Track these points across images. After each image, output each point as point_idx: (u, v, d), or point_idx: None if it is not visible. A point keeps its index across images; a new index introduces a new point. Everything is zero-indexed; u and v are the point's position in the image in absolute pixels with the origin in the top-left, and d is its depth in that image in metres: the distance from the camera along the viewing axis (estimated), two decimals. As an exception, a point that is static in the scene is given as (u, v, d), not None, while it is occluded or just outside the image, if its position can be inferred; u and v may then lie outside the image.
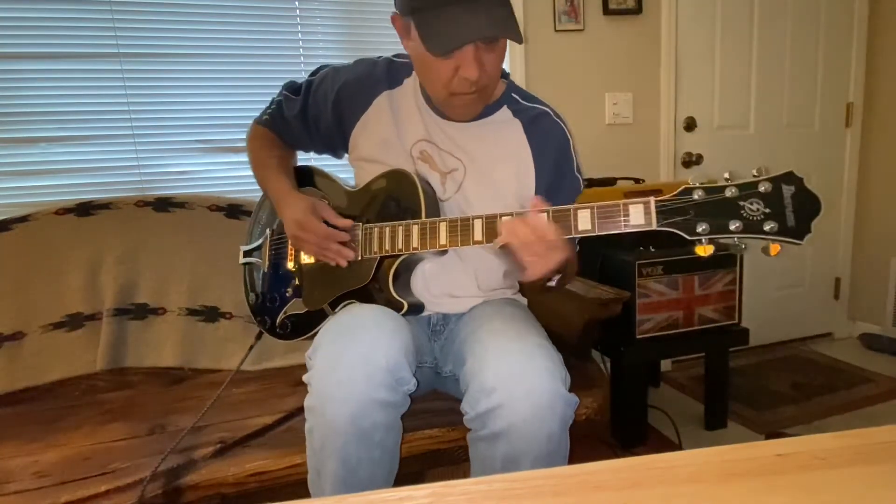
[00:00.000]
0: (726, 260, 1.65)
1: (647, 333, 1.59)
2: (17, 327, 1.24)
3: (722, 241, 0.68)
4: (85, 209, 1.33)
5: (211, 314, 1.34)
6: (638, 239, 1.69)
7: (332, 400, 0.73)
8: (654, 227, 0.68)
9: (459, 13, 0.73)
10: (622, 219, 0.70)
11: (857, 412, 1.83)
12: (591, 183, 1.78)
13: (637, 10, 1.98)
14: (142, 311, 1.32)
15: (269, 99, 1.08)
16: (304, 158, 1.14)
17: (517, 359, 0.77)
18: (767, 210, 0.64)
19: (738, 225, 0.65)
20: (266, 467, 0.89)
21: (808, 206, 0.63)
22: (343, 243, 0.92)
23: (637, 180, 1.80)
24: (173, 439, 0.93)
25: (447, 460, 0.97)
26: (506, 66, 1.88)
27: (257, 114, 1.10)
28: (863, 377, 2.09)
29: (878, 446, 0.56)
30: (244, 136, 1.12)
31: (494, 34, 0.76)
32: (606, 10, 1.95)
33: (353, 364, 0.74)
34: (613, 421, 1.65)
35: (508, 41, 0.81)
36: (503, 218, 0.77)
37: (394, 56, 0.99)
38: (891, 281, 2.33)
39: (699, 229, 0.66)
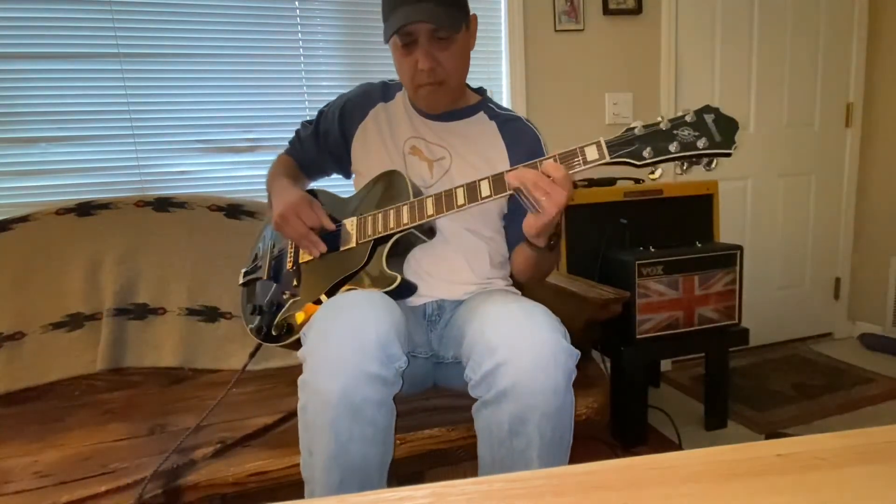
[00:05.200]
0: (726, 260, 1.65)
1: (647, 333, 1.60)
2: (17, 327, 1.24)
3: (666, 163, 0.79)
4: (85, 209, 1.33)
5: (211, 314, 1.34)
6: (638, 239, 1.70)
7: (323, 373, 0.75)
8: (607, 159, 0.79)
9: (408, 10, 0.90)
10: (580, 158, 0.81)
11: (857, 412, 1.83)
12: (592, 183, 1.78)
13: (637, 10, 1.98)
14: (142, 311, 1.32)
15: (270, 98, 1.15)
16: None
17: (517, 316, 0.81)
18: (697, 133, 0.76)
19: (676, 146, 0.77)
20: (266, 467, 0.89)
21: (728, 125, 0.77)
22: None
23: (637, 180, 1.80)
24: (173, 439, 0.93)
25: (447, 460, 0.97)
26: (505, 66, 1.90)
27: (257, 114, 1.20)
28: (863, 377, 2.09)
29: (878, 446, 0.56)
30: (244, 137, 1.14)
31: (418, 19, 0.90)
32: (606, 10, 1.95)
33: (343, 336, 0.76)
34: (613, 421, 1.65)
35: (473, 46, 1.02)
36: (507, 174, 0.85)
37: (388, 80, 1.17)
38: (891, 281, 2.34)
39: (645, 154, 0.78)
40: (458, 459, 0.96)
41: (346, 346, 0.75)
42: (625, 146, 0.78)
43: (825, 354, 2.33)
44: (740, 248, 1.66)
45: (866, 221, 2.44)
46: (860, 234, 2.46)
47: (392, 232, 0.94)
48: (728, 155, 0.76)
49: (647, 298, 1.58)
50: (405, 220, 0.93)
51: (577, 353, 0.81)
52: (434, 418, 0.97)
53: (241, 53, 1.62)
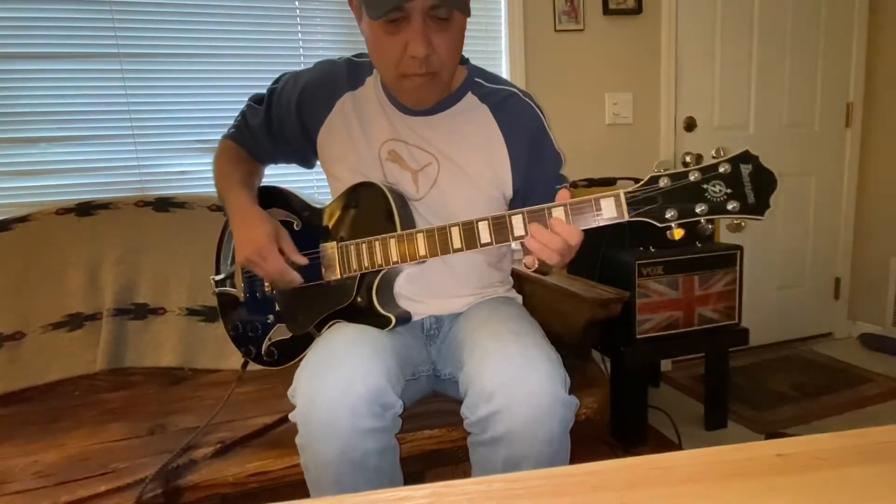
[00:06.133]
0: (726, 260, 1.65)
1: (647, 333, 1.59)
2: (17, 327, 1.24)
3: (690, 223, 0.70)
4: (85, 209, 1.33)
5: (211, 314, 1.34)
6: (638, 239, 1.69)
7: (318, 439, 0.73)
8: (626, 218, 0.70)
9: None
10: (595, 213, 0.71)
11: (857, 412, 1.83)
12: (592, 182, 1.78)
13: (637, 10, 1.98)
14: (142, 311, 1.32)
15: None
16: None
17: (515, 362, 0.76)
18: (729, 190, 0.66)
19: (703, 208, 0.67)
20: (266, 467, 0.89)
21: (765, 182, 0.66)
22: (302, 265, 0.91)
23: (637, 180, 1.79)
24: (173, 439, 0.93)
25: (447, 460, 0.97)
26: (505, 66, 1.90)
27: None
28: (863, 377, 2.09)
29: (878, 446, 0.56)
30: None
31: None
32: (606, 10, 1.95)
33: (333, 399, 0.72)
34: (613, 421, 1.65)
35: (471, 31, 0.82)
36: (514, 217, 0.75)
37: (353, 56, 0.96)
38: (891, 281, 2.33)
39: (668, 216, 0.68)
40: (458, 459, 0.96)
41: (337, 408, 0.72)
42: (646, 203, 0.69)
43: (825, 354, 2.33)
44: (740, 248, 1.66)
45: (866, 221, 2.44)
46: (860, 234, 2.46)
47: (380, 268, 0.87)
48: (759, 220, 0.67)
49: (647, 298, 1.58)
50: (394, 258, 0.84)
51: (575, 402, 0.77)
52: (434, 419, 0.97)
53: (241, 53, 1.61)
